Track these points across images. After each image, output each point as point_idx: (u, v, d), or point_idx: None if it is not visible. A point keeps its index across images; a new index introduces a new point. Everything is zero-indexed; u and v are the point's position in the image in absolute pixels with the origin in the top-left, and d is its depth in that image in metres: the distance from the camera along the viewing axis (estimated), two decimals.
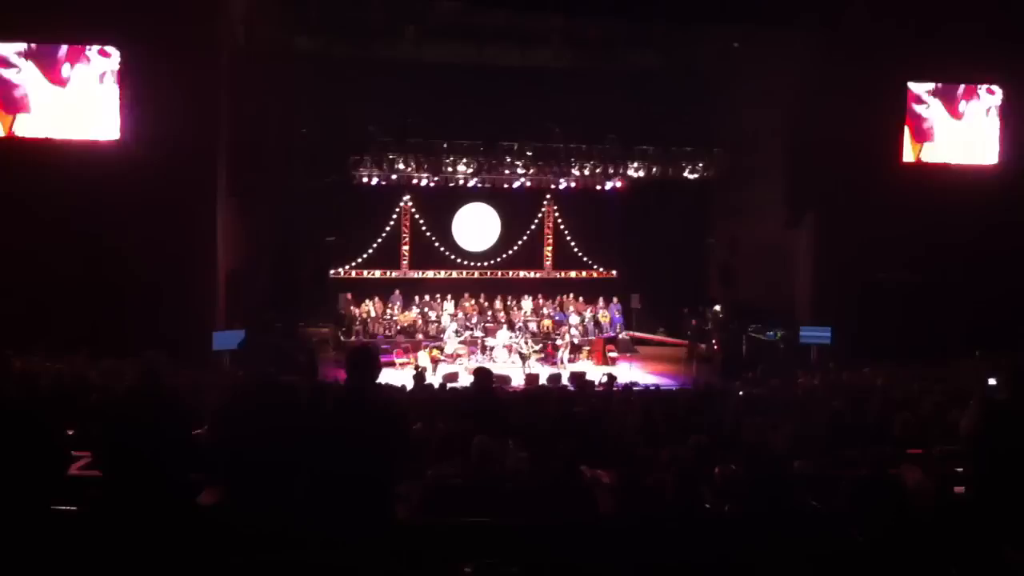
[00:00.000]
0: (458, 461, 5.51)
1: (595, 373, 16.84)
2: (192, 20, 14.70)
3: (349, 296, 20.77)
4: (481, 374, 7.86)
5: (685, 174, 20.52)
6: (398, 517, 4.52)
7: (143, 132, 15.02)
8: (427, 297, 21.50)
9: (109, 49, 15.26)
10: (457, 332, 19.56)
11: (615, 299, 21.79)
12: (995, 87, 17.99)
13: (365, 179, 20.04)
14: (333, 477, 4.15)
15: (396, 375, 16.36)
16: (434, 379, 16.04)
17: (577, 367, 18.31)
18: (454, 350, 19.03)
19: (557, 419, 7.53)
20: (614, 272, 22.99)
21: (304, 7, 17.00)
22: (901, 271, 16.43)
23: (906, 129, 17.81)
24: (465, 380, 15.79)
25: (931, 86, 17.84)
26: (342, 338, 19.24)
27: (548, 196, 22.68)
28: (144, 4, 14.59)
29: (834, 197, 16.96)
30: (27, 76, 15.11)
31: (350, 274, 21.69)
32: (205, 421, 5.92)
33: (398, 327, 20.44)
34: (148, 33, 14.74)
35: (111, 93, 15.28)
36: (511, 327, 20.04)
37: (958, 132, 17.98)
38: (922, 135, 17.94)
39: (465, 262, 22.50)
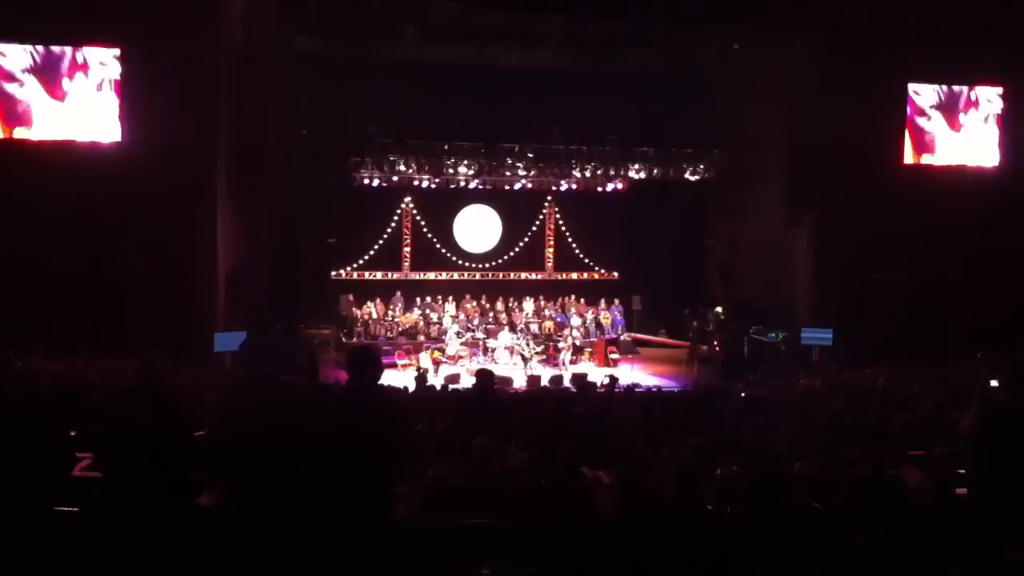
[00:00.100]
0: (458, 461, 5.51)
1: (597, 375, 16.81)
2: (192, 21, 14.70)
3: (351, 297, 20.77)
4: (483, 376, 7.87)
5: (685, 175, 20.52)
6: (398, 517, 4.52)
7: (143, 133, 15.02)
8: (428, 299, 21.50)
9: (108, 59, 15.26)
10: (459, 334, 19.55)
11: (616, 300, 21.77)
12: (995, 90, 17.98)
13: (366, 180, 20.06)
14: (333, 477, 4.15)
15: (398, 377, 16.35)
16: (436, 380, 16.03)
17: (579, 369, 18.29)
18: (456, 352, 19.02)
19: (557, 419, 7.53)
20: (615, 274, 22.98)
21: (303, 7, 17.01)
22: (901, 271, 16.42)
23: (907, 137, 17.81)
24: (467, 382, 15.77)
25: (934, 100, 17.84)
26: (343, 339, 19.23)
27: (549, 197, 22.68)
28: (144, 5, 14.57)
29: (834, 197, 16.96)
30: (30, 91, 15.17)
31: (351, 275, 21.69)
32: (206, 422, 5.93)
33: (399, 329, 20.45)
34: (148, 33, 14.73)
35: (110, 100, 15.31)
36: (512, 329, 20.03)
37: (958, 142, 18.02)
38: (924, 147, 18.00)
39: (466, 264, 22.50)
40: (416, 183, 20.87)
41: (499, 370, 16.18)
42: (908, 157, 17.90)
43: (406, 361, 18.46)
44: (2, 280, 13.98)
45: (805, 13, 16.09)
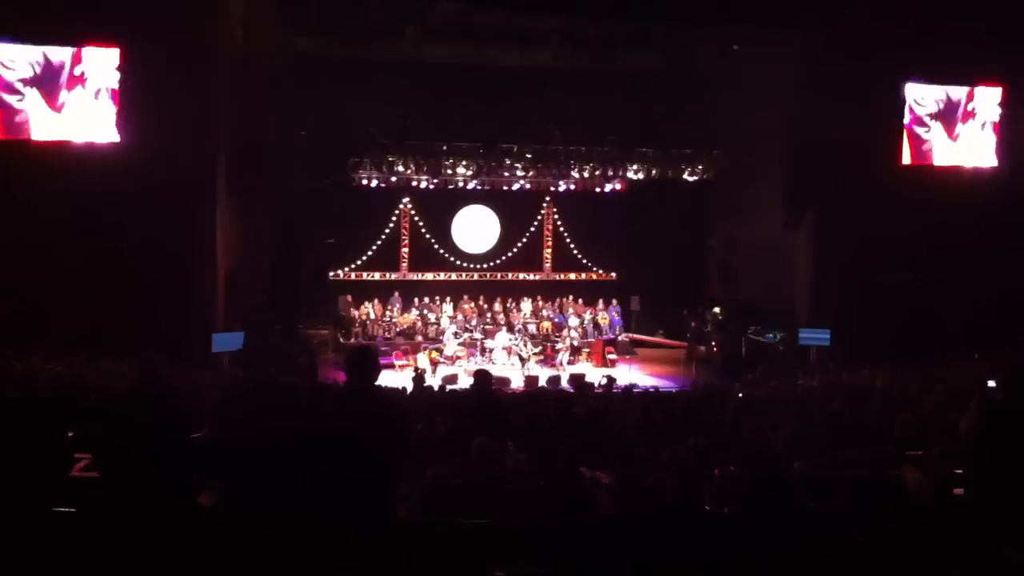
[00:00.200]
0: (458, 461, 5.51)
1: (594, 375, 16.83)
2: (191, 21, 14.68)
3: (349, 298, 20.78)
4: (481, 376, 7.87)
5: (684, 176, 20.53)
6: (398, 517, 4.52)
7: (143, 133, 15.01)
8: (426, 299, 21.51)
9: (106, 67, 15.25)
10: (456, 334, 19.55)
11: (614, 301, 21.78)
12: (995, 91, 18.00)
13: (365, 181, 20.07)
14: (333, 477, 4.15)
15: (395, 377, 16.35)
16: (433, 381, 16.03)
17: (576, 369, 18.29)
18: (453, 352, 19.02)
19: (557, 420, 7.53)
20: (613, 274, 22.99)
21: (303, 8, 17.00)
22: (900, 272, 16.42)
23: (906, 144, 17.83)
24: (465, 382, 15.78)
25: (933, 109, 17.85)
26: (341, 340, 19.23)
27: (547, 198, 22.68)
28: (144, 5, 14.56)
29: (833, 198, 16.96)
30: (30, 103, 15.17)
31: (349, 276, 21.69)
32: (205, 422, 5.92)
33: (397, 329, 20.44)
34: (148, 33, 14.72)
35: (107, 107, 15.30)
36: (510, 329, 20.03)
37: (955, 150, 18.08)
38: (922, 156, 18.04)
39: (464, 264, 22.50)
40: (415, 183, 20.88)
41: (497, 370, 16.16)
42: (907, 158, 17.91)
43: (404, 362, 18.45)
44: (1, 280, 13.97)
45: (805, 13, 16.09)
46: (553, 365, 18.97)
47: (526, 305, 21.71)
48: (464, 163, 19.95)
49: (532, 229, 22.88)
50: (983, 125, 18.13)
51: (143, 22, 14.60)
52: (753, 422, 7.23)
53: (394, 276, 22.13)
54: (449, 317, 20.71)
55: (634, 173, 20.56)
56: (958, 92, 18.01)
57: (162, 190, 14.38)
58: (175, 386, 5.57)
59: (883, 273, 16.52)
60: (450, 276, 22.43)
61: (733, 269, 19.77)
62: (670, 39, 18.75)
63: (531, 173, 20.62)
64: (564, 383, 16.60)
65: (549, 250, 23.07)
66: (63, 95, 15.21)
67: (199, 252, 15.50)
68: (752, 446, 5.73)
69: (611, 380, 15.04)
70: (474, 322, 20.49)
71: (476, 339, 19.60)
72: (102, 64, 15.32)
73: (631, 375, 17.61)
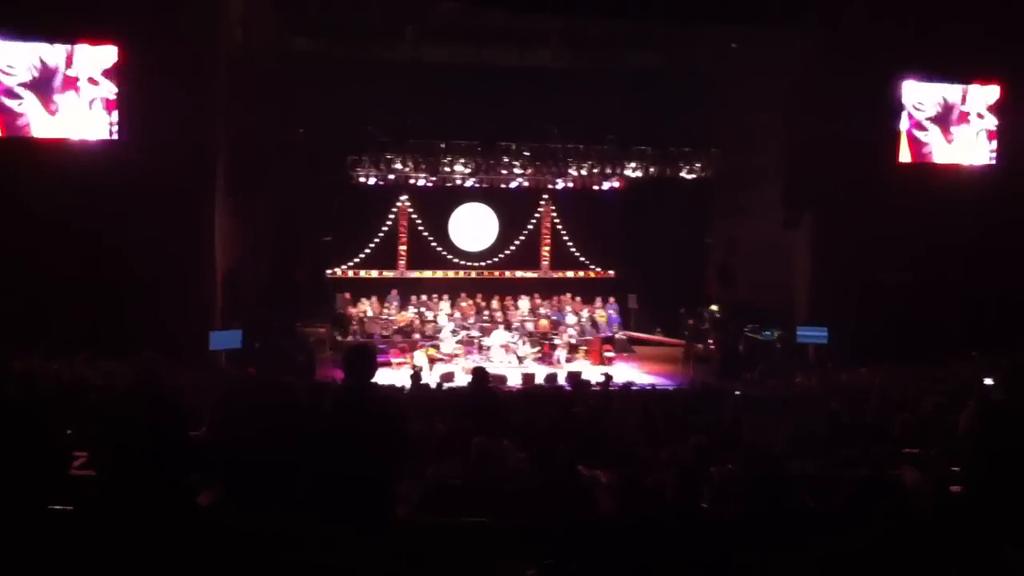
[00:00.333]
0: (458, 461, 5.51)
1: (592, 373, 16.86)
2: (190, 20, 14.64)
3: (347, 296, 20.77)
4: (478, 373, 7.87)
5: (682, 174, 20.54)
6: (398, 517, 4.51)
7: (141, 132, 14.97)
8: (424, 297, 21.49)
9: (100, 67, 15.24)
10: (454, 332, 19.56)
11: (612, 299, 21.78)
12: (992, 89, 18.02)
13: (363, 179, 20.06)
14: (333, 477, 4.15)
15: (393, 375, 16.35)
16: (431, 379, 16.04)
17: (574, 367, 18.29)
18: (451, 350, 19.02)
19: (556, 419, 7.53)
20: (611, 272, 22.99)
21: (303, 8, 16.97)
22: (899, 271, 16.41)
23: (905, 145, 17.84)
24: (462, 380, 15.78)
25: (931, 112, 17.86)
26: (339, 338, 19.20)
27: (545, 196, 22.67)
28: (142, 3, 14.53)
29: (832, 197, 16.95)
30: (29, 106, 15.15)
31: (347, 274, 21.69)
32: (203, 421, 5.91)
33: (395, 327, 20.42)
34: (146, 32, 14.68)
35: (101, 107, 15.28)
36: (508, 327, 20.04)
37: (953, 150, 18.11)
38: (921, 157, 18.04)
39: (462, 262, 22.50)
40: (412, 182, 20.87)
41: (494, 368, 16.20)
42: (905, 157, 17.91)
43: (401, 359, 18.44)
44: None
45: (805, 13, 16.09)
46: (551, 363, 18.97)
47: (524, 303, 21.70)
48: (462, 161, 19.96)
49: (530, 227, 22.87)
50: (978, 130, 18.15)
51: (142, 21, 14.55)
52: (752, 421, 7.23)
53: (392, 274, 22.12)
54: (447, 315, 20.71)
55: (632, 171, 20.57)
56: (954, 94, 18.01)
57: (160, 190, 14.34)
58: (173, 385, 5.57)
59: (882, 272, 16.51)
60: (448, 274, 22.42)
61: (734, 269, 19.77)
62: (669, 39, 18.75)
63: (529, 171, 20.63)
64: (561, 381, 16.60)
65: (547, 248, 23.07)
66: (58, 98, 15.21)
67: (197, 251, 15.46)
68: (752, 445, 5.74)
69: (609, 378, 15.07)
70: (471, 320, 20.49)
71: (473, 337, 19.61)
72: (96, 63, 15.26)
73: (629, 373, 17.63)
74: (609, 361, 19.13)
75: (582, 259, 23.05)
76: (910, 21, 15.77)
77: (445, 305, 21.22)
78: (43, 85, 15.15)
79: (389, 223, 22.02)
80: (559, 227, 23.00)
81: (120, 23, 14.86)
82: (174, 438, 4.53)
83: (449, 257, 22.41)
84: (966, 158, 18.14)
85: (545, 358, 19.25)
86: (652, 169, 20.57)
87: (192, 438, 4.88)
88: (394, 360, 18.28)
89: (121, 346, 12.20)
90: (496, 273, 22.65)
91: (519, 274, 22.84)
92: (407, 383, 14.07)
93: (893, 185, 17.04)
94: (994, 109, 18.03)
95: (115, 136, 15.26)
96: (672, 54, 19.25)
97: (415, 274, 22.27)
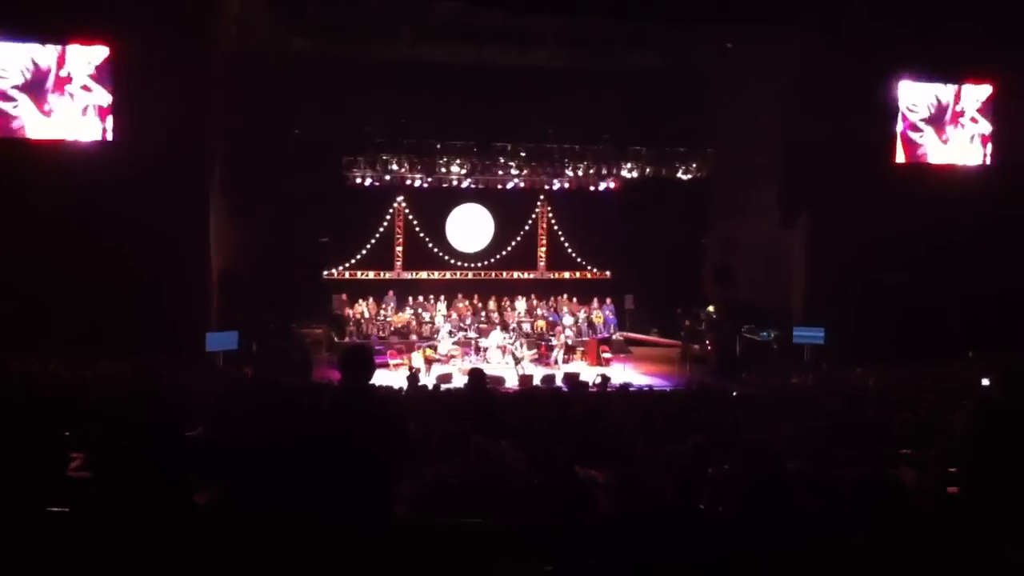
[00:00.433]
0: (456, 461, 5.50)
1: (589, 374, 16.85)
2: (186, 20, 14.63)
3: (343, 297, 20.75)
4: (475, 375, 7.87)
5: (679, 174, 20.56)
6: (397, 517, 4.50)
7: (136, 132, 14.95)
8: (421, 298, 21.49)
9: (93, 67, 15.20)
10: (451, 333, 19.54)
11: (608, 300, 21.79)
12: (986, 89, 18.07)
13: (359, 180, 20.07)
14: (332, 477, 4.14)
15: (390, 376, 16.33)
16: (428, 380, 16.02)
17: (571, 368, 18.29)
18: (448, 351, 19.00)
19: (554, 419, 7.52)
20: (608, 273, 23.01)
21: (300, 7, 16.95)
22: (895, 271, 16.43)
23: (899, 145, 17.88)
24: (459, 381, 15.77)
25: (926, 114, 17.90)
26: (335, 339, 19.19)
27: (542, 197, 22.70)
28: (137, 3, 14.50)
29: (828, 197, 16.97)
30: (23, 109, 15.14)
31: (344, 275, 21.68)
32: (199, 421, 5.90)
33: (392, 328, 20.41)
34: (141, 32, 14.67)
35: (94, 107, 15.25)
36: (505, 328, 20.04)
37: (947, 151, 18.16)
38: (916, 158, 18.10)
39: (459, 263, 22.50)
40: (409, 182, 20.88)
41: (491, 369, 16.19)
42: (900, 158, 17.96)
43: (398, 361, 18.41)
44: None
45: (804, 13, 16.11)
46: (547, 364, 18.97)
47: (520, 304, 21.70)
48: (458, 162, 19.98)
49: (526, 228, 22.89)
50: (972, 133, 18.20)
51: (137, 20, 14.54)
52: (751, 421, 7.23)
53: (388, 275, 22.12)
54: (443, 316, 20.70)
55: (628, 172, 20.60)
56: (947, 95, 18.05)
57: (155, 190, 14.32)
58: (171, 386, 5.56)
59: (878, 272, 16.50)
60: (444, 275, 22.43)
61: (732, 268, 19.78)
62: (667, 39, 18.73)
63: (525, 172, 20.65)
64: (559, 382, 16.60)
65: (543, 249, 23.08)
66: (52, 99, 15.20)
67: (193, 251, 15.45)
68: (751, 445, 5.73)
69: (606, 379, 15.09)
70: (468, 321, 20.48)
71: (470, 338, 19.60)
72: (89, 63, 15.25)
73: (625, 374, 17.63)
74: (606, 362, 19.13)
75: (579, 260, 23.07)
76: (908, 22, 15.81)
77: (442, 306, 21.22)
78: (36, 87, 15.15)
79: (386, 224, 22.01)
80: (555, 228, 23.01)
81: (114, 23, 14.85)
82: (172, 438, 4.51)
83: (446, 258, 22.41)
84: (961, 158, 18.20)
85: (542, 359, 19.25)
86: (648, 169, 20.59)
87: (190, 438, 4.86)
88: (391, 361, 18.24)
89: (118, 347, 12.21)
90: (493, 274, 22.66)
91: (516, 275, 22.86)
92: (404, 384, 14.07)
93: (889, 185, 17.08)
94: (987, 109, 18.07)
95: (110, 137, 15.26)
96: (670, 54, 19.25)
97: (412, 275, 22.27)
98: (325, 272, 21.23)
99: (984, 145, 18.23)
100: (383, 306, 21.00)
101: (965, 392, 8.00)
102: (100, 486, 4.55)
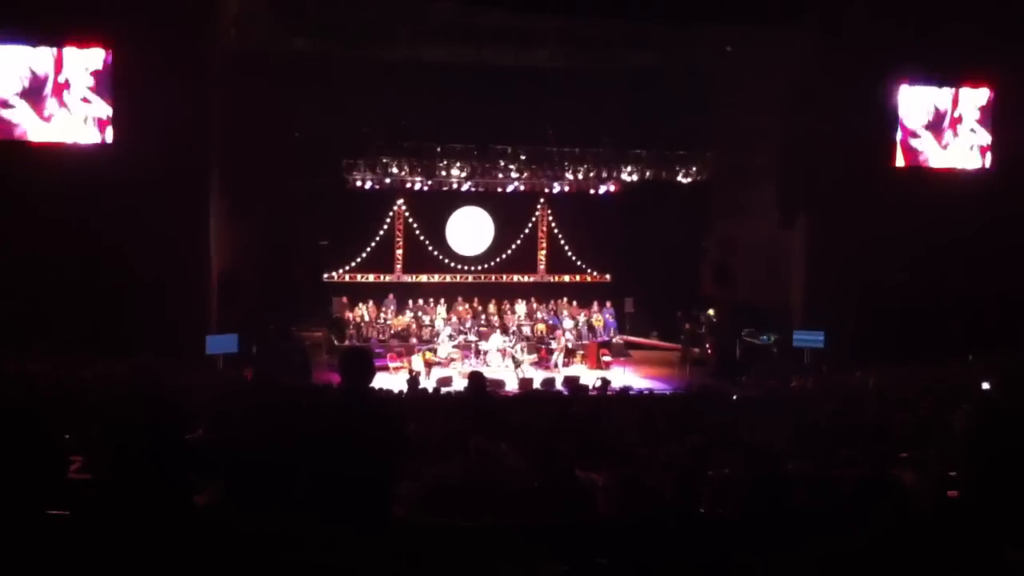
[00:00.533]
0: (456, 461, 5.50)
1: (589, 377, 16.87)
2: (185, 21, 14.63)
3: (343, 300, 20.75)
4: (476, 378, 7.88)
5: (679, 177, 20.59)
6: (397, 517, 4.51)
7: (135, 134, 14.95)
8: (420, 301, 21.47)
9: (90, 70, 15.22)
10: (451, 336, 19.53)
11: (608, 303, 21.78)
12: (986, 92, 18.09)
13: (359, 182, 20.08)
14: (332, 477, 4.14)
15: (390, 380, 16.33)
16: (428, 383, 16.03)
17: (571, 371, 18.29)
18: (448, 354, 18.99)
19: (555, 420, 7.52)
20: (608, 276, 23.00)
21: (299, 8, 16.96)
22: (894, 272, 16.43)
23: (899, 152, 17.91)
24: (459, 384, 15.77)
25: (924, 120, 17.93)
26: (335, 342, 19.18)
27: (542, 199, 22.69)
28: (136, 4, 14.51)
29: (828, 199, 16.99)
30: (23, 114, 15.15)
31: (343, 278, 21.67)
32: (200, 423, 5.90)
33: (392, 331, 20.40)
34: (140, 33, 14.68)
35: (94, 110, 15.28)
36: (505, 331, 20.03)
37: (946, 156, 18.19)
38: (915, 162, 18.12)
39: (459, 266, 22.50)
40: (408, 185, 20.88)
41: (491, 372, 16.18)
42: (900, 162, 17.99)
43: (398, 364, 18.41)
44: None
45: (804, 13, 16.14)
46: (547, 367, 18.97)
47: (520, 307, 21.68)
48: (458, 164, 20.01)
49: (526, 231, 22.87)
50: (971, 139, 18.23)
51: (135, 21, 14.54)
52: (751, 422, 7.23)
53: (388, 278, 22.11)
54: (443, 319, 20.68)
55: (628, 175, 20.61)
56: (944, 101, 18.07)
57: (155, 192, 14.33)
58: (171, 387, 5.56)
59: (878, 272, 16.49)
60: (444, 278, 22.42)
61: (731, 268, 19.79)
62: (667, 40, 18.73)
63: (525, 175, 20.66)
64: (559, 385, 16.61)
65: (543, 252, 23.08)
66: (50, 104, 15.21)
67: (192, 253, 15.45)
68: (751, 446, 5.73)
69: (606, 382, 15.08)
70: (468, 324, 20.46)
71: (470, 341, 19.59)
72: (87, 66, 15.25)
73: (625, 377, 17.63)
74: (606, 365, 19.13)
75: (578, 263, 23.06)
76: (908, 22, 15.81)
77: (442, 309, 21.20)
78: (34, 93, 15.16)
79: (386, 227, 22.01)
80: (556, 231, 23.01)
81: (112, 24, 14.86)
82: (173, 438, 4.52)
83: (446, 261, 22.40)
84: (959, 162, 18.22)
85: (542, 362, 19.24)
86: (648, 172, 20.61)
87: (190, 439, 4.86)
88: (391, 364, 18.24)
89: (118, 349, 12.20)
90: (493, 277, 22.65)
91: (516, 278, 22.84)
92: (404, 388, 14.07)
93: (889, 186, 17.09)
94: (986, 118, 18.09)
95: (109, 139, 15.26)
96: (670, 55, 19.25)
97: (412, 278, 22.27)
98: (325, 274, 21.23)
99: (983, 155, 18.26)
100: (383, 309, 20.99)
101: (965, 393, 7.99)
102: (100, 487, 4.54)
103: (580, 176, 20.73)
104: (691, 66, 19.41)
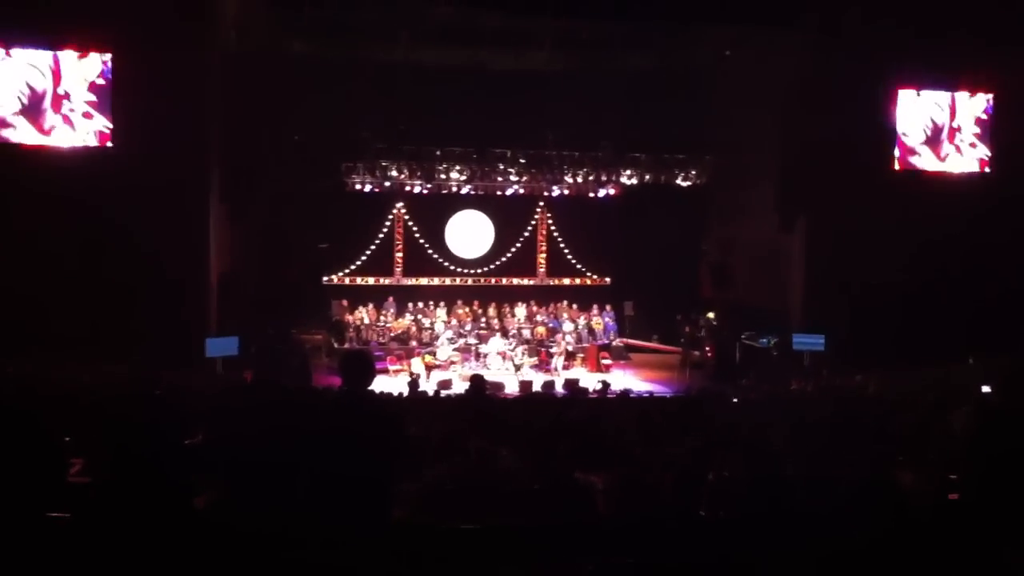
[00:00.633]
0: (457, 463, 5.51)
1: (589, 380, 16.88)
2: (184, 24, 14.63)
3: (343, 303, 20.75)
4: (476, 381, 7.89)
5: (678, 180, 20.61)
6: (396, 518, 4.51)
7: (135, 137, 14.96)
8: (420, 304, 21.47)
9: (89, 78, 15.24)
10: (451, 339, 19.53)
11: (608, 306, 21.80)
12: (986, 96, 18.11)
13: (358, 185, 20.10)
14: (332, 477, 4.15)
15: (390, 382, 16.33)
16: (428, 386, 16.03)
17: (571, 374, 18.30)
18: (448, 357, 18.99)
19: (554, 422, 7.53)
20: (607, 279, 23.00)
21: (298, 11, 16.98)
22: (893, 274, 16.44)
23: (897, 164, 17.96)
24: (459, 387, 15.77)
25: (922, 137, 17.95)
26: (335, 345, 19.19)
27: (541, 203, 22.70)
28: (135, 8, 14.51)
29: (826, 202, 17.00)
30: (23, 132, 15.19)
31: (343, 280, 21.68)
32: (199, 428, 5.90)
33: (391, 334, 20.40)
34: (139, 37, 14.71)
35: (94, 127, 15.34)
36: (505, 334, 20.04)
37: (944, 165, 18.25)
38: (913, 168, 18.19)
39: (459, 269, 22.50)
40: (408, 188, 20.88)
41: (491, 375, 16.19)
42: (898, 164, 18.02)
43: (398, 367, 18.41)
44: None
45: (803, 14, 16.16)
46: (547, 370, 18.96)
47: (520, 310, 21.69)
48: (458, 168, 20.02)
49: (526, 234, 22.88)
50: (970, 153, 18.27)
51: (135, 26, 14.56)
52: (750, 423, 7.23)
53: (388, 281, 22.11)
54: (443, 322, 20.69)
55: (627, 178, 20.63)
56: (942, 116, 18.08)
57: (154, 195, 14.34)
58: (171, 387, 5.57)
59: (876, 274, 16.49)
60: (444, 281, 22.42)
61: (731, 269, 19.80)
62: (665, 42, 18.77)
63: (525, 178, 20.68)
64: (559, 388, 16.61)
65: (543, 255, 23.08)
66: (49, 117, 15.23)
67: (192, 256, 15.48)
68: (751, 446, 5.73)
69: (606, 385, 15.09)
70: (468, 327, 20.47)
71: (470, 344, 19.58)
72: (84, 75, 15.27)
73: (625, 380, 17.62)
74: (606, 368, 19.13)
75: (578, 266, 23.06)
76: (907, 27, 15.82)
77: (441, 312, 21.20)
78: (33, 109, 15.17)
79: (385, 230, 22.01)
80: (555, 234, 23.02)
81: (112, 30, 14.89)
82: (173, 439, 4.51)
83: (445, 264, 22.40)
84: (957, 167, 18.26)
85: (542, 365, 19.24)
86: (647, 176, 20.64)
87: (191, 440, 4.87)
88: (391, 367, 18.24)
89: (118, 351, 12.20)
90: (493, 280, 22.65)
91: (515, 281, 22.84)
92: (404, 390, 14.07)
93: (887, 188, 17.11)
94: (985, 131, 18.12)
95: (109, 143, 15.28)
96: (669, 58, 19.30)
97: (411, 281, 22.27)
98: (325, 277, 21.24)
99: (982, 167, 18.30)
100: (383, 312, 21.00)
101: (964, 395, 7.99)
102: (99, 488, 4.54)
103: (579, 179, 20.75)
104: (690, 69, 19.43)
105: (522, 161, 20.18)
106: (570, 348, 19.78)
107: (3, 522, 3.82)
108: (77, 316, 13.93)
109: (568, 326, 20.83)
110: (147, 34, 14.56)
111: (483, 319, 21.20)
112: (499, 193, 21.50)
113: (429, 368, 18.20)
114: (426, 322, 20.79)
